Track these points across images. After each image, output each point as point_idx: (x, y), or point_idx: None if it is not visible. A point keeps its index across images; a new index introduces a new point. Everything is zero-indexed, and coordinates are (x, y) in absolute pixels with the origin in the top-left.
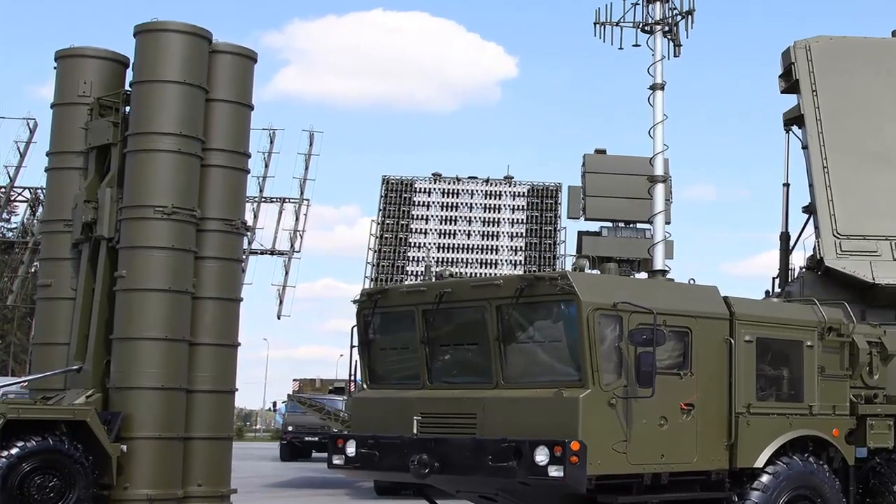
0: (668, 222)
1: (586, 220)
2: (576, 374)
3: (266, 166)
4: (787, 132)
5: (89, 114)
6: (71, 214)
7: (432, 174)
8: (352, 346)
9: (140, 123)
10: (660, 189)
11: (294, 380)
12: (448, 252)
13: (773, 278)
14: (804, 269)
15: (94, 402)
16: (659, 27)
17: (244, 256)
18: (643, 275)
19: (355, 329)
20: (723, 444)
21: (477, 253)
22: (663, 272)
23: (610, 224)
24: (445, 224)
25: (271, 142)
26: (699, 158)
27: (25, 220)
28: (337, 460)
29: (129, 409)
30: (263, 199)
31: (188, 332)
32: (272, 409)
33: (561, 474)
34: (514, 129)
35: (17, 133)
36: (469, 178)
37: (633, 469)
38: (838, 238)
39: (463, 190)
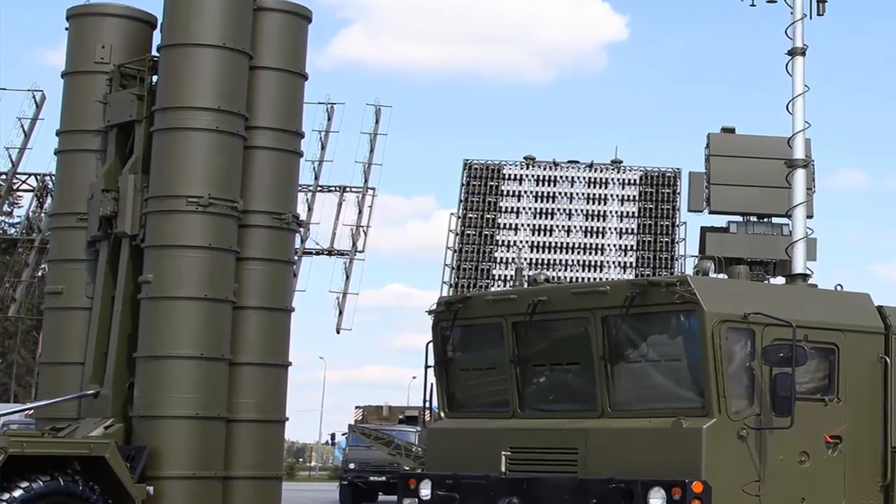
0: (809, 216)
1: (711, 213)
2: (698, 399)
3: (322, 148)
4: None
5: (108, 84)
6: (86, 207)
7: (524, 158)
8: (426, 367)
9: (170, 96)
10: (800, 176)
11: (357, 407)
12: (543, 252)
13: None
14: None
15: (114, 434)
16: None
17: (296, 257)
18: (780, 280)
19: (431, 345)
20: (876, 485)
21: (578, 253)
22: (804, 276)
23: (739, 218)
24: (540, 218)
25: (329, 119)
26: (847, 139)
27: (31, 214)
28: None
29: (156, 442)
30: (319, 189)
31: (228, 349)
32: (330, 442)
33: None
34: (623, 104)
35: (21, 108)
36: (568, 162)
37: None
38: None
39: (561, 177)
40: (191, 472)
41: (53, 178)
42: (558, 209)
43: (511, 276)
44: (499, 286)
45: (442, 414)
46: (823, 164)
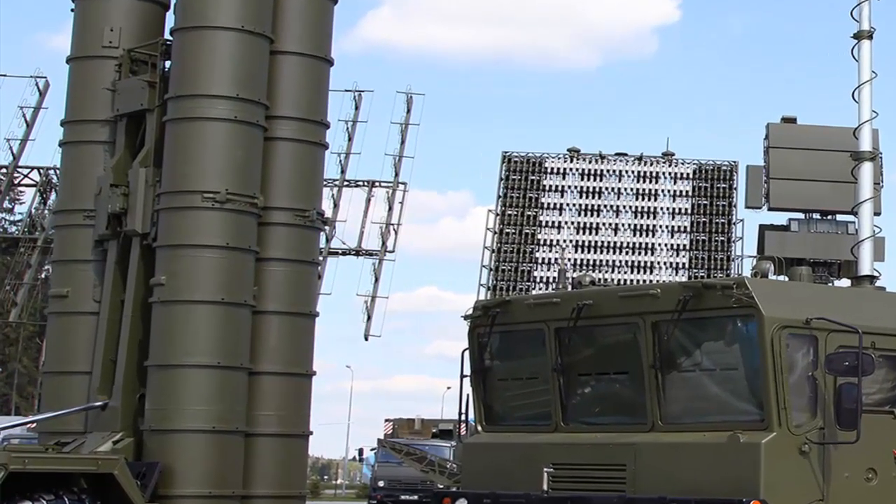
0: (877, 213)
1: (770, 209)
2: (757, 412)
3: (350, 140)
4: None
5: (117, 71)
6: (93, 203)
7: (568, 150)
8: (462, 376)
9: (184, 83)
10: (867, 169)
11: (386, 420)
12: (588, 252)
13: None
14: None
15: (123, 450)
16: None
17: (321, 258)
18: (846, 282)
19: (467, 353)
20: None
21: (627, 253)
22: (872, 279)
23: (801, 215)
24: (585, 215)
25: (357, 108)
26: None
27: (34, 211)
28: None
29: (169, 458)
30: (346, 183)
31: (247, 357)
32: (358, 458)
33: None
34: (676, 92)
35: (24, 96)
36: (616, 155)
37: None
38: None
39: (608, 171)
40: (207, 491)
41: (58, 171)
42: (605, 206)
43: (554, 277)
44: (540, 289)
45: (479, 427)
46: (893, 157)
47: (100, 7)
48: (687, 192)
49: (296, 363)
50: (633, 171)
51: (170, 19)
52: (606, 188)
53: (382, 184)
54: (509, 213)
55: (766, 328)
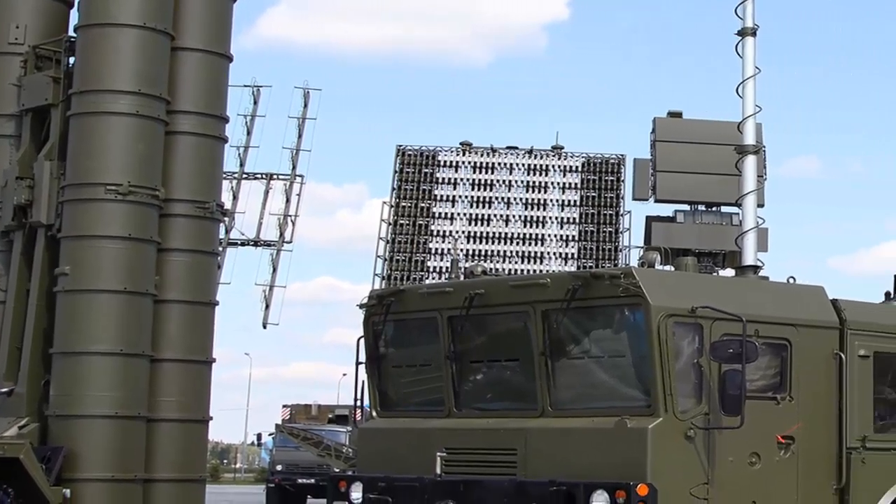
0: (760, 205)
1: (657, 201)
2: (644, 398)
3: (248, 133)
4: None
5: (23, 67)
6: None
7: (460, 144)
8: (358, 363)
9: (88, 79)
10: (751, 162)
11: (284, 406)
12: (480, 243)
13: None
14: None
15: (28, 435)
16: None
17: (220, 248)
18: (730, 272)
19: (362, 341)
20: (831, 488)
21: (517, 244)
22: (755, 269)
23: (687, 207)
24: (477, 207)
25: (255, 102)
26: (800, 123)
27: None
28: None
29: (73, 443)
30: (245, 176)
31: (149, 344)
32: (256, 443)
33: None
34: (565, 88)
35: None
36: (507, 148)
37: None
38: None
39: (499, 164)
40: (110, 475)
41: None
42: (496, 198)
43: (447, 267)
44: (434, 279)
45: (374, 413)
46: (776, 151)
47: (5, 4)
48: (576, 184)
49: (196, 350)
50: (523, 164)
51: (74, 17)
52: (498, 181)
53: (280, 176)
54: (403, 204)
55: (653, 317)
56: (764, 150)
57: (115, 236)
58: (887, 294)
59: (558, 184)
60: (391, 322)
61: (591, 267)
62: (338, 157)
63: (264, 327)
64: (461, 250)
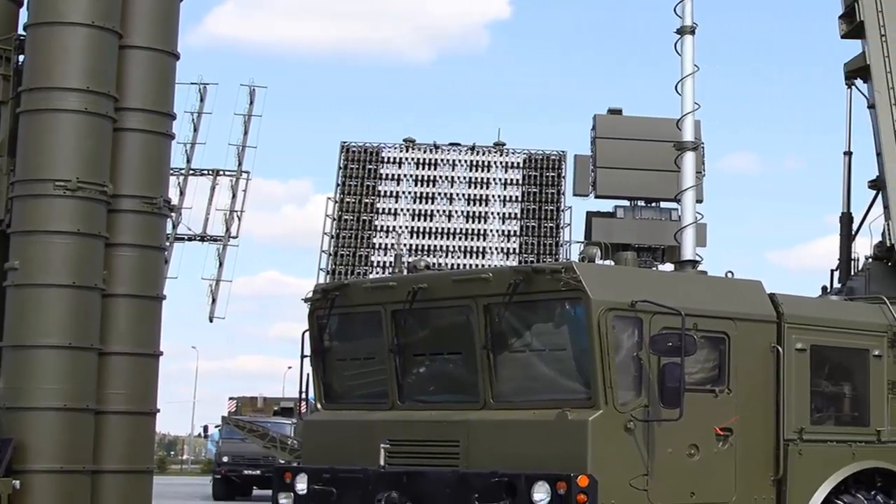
0: (699, 200)
1: (597, 197)
2: (584, 390)
3: (195, 130)
4: (850, 87)
5: None
6: None
7: (404, 140)
8: (303, 357)
9: (37, 77)
10: (689, 159)
11: (230, 398)
12: (423, 238)
13: (832, 271)
14: (871, 260)
15: None
16: None
17: (167, 243)
18: (669, 266)
19: (307, 335)
20: (768, 479)
21: (460, 239)
22: (694, 263)
23: (626, 203)
24: (420, 203)
25: (202, 100)
26: (739, 120)
27: None
28: (284, 499)
29: (22, 434)
30: (192, 172)
31: (97, 338)
32: (203, 435)
33: None
34: (507, 85)
35: None
36: (450, 145)
37: None
38: None
39: (442, 160)
40: (58, 466)
41: None
42: (439, 193)
43: (390, 262)
44: (377, 273)
45: (319, 405)
46: (714, 147)
47: None
48: (517, 180)
49: (143, 344)
50: (465, 161)
51: (23, 15)
52: (440, 177)
53: (226, 172)
54: (348, 200)
55: (593, 311)
56: (702, 147)
57: (64, 231)
58: (824, 288)
59: (500, 180)
60: (335, 316)
61: (532, 262)
62: (283, 153)
63: (211, 321)
64: (404, 245)
